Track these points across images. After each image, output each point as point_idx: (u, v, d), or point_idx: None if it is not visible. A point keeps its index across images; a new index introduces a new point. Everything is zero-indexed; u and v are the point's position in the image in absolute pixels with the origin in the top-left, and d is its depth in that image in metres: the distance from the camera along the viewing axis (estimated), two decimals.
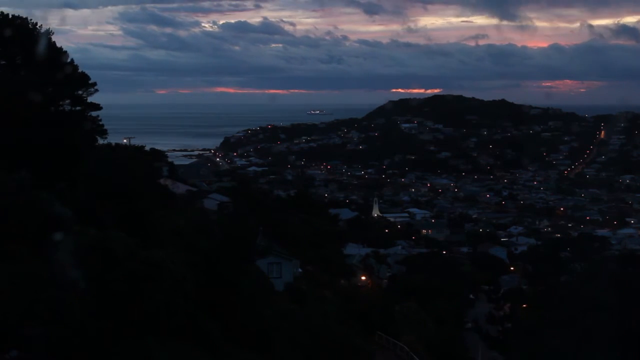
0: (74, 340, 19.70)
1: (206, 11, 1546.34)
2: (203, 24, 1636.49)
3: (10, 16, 41.15)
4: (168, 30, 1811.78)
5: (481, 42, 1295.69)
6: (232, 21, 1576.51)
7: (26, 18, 41.39)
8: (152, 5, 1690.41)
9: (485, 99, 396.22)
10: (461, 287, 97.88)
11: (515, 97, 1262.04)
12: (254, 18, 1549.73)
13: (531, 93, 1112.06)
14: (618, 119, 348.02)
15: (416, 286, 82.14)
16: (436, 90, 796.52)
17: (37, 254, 21.84)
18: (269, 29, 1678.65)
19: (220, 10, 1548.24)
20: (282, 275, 54.12)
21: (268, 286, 44.22)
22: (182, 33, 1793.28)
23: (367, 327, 56.12)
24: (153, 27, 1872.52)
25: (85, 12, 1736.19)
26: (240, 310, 30.56)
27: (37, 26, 40.98)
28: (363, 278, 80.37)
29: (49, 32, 40.70)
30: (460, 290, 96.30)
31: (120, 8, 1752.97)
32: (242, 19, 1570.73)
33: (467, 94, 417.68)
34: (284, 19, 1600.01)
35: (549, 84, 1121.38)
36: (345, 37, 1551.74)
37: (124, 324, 21.94)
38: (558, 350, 50.31)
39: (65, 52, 41.45)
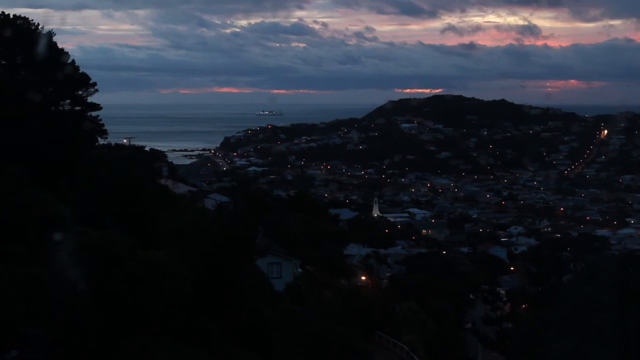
0: (73, 340, 19.71)
1: (244, 11, 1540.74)
2: (236, 24, 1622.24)
3: (11, 16, 41.15)
4: (199, 31, 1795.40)
5: (488, 43, 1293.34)
6: (267, 21, 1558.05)
7: (27, 18, 41.41)
8: (192, 6, 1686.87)
9: (485, 99, 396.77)
10: (461, 287, 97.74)
11: (515, 97, 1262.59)
12: (289, 18, 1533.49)
13: (531, 93, 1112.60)
14: (618, 119, 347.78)
15: (416, 286, 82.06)
16: (437, 90, 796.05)
17: (36, 255, 21.85)
18: (300, 30, 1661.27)
19: (258, 11, 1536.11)
20: (282, 275, 54.09)
21: (268, 286, 44.23)
22: (211, 33, 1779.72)
23: (367, 327, 56.11)
24: (183, 28, 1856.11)
25: (118, 11, 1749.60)
26: (240, 310, 30.56)
27: (38, 26, 41.00)
28: (363, 278, 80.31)
29: (49, 33, 40.71)
30: (460, 290, 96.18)
31: (162, 9, 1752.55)
32: (277, 20, 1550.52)
33: (467, 94, 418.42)
34: (316, 20, 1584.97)
35: (550, 84, 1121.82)
36: (361, 38, 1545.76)
37: (124, 324, 21.94)
38: (558, 351, 50.32)
39: (66, 52, 41.47)
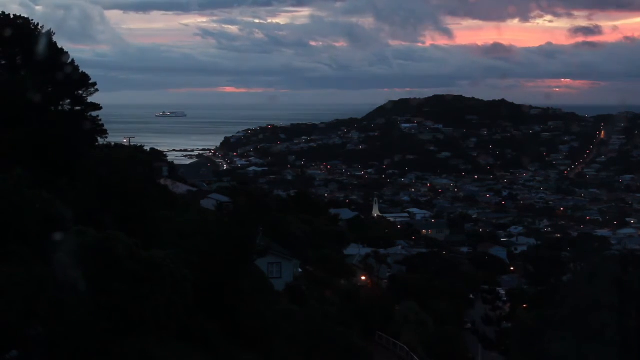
0: (74, 340, 19.71)
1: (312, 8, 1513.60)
2: (289, 25, 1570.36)
3: (11, 16, 41.18)
4: (248, 32, 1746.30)
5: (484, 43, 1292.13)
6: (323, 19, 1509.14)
7: (27, 18, 41.44)
8: (258, 8, 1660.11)
9: (485, 99, 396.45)
10: (461, 287, 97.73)
11: (514, 97, 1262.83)
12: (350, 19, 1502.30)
13: (532, 93, 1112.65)
14: (618, 119, 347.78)
15: (416, 286, 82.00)
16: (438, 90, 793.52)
17: (37, 254, 21.85)
18: (350, 30, 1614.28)
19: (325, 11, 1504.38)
20: (282, 275, 54.11)
21: (268, 286, 44.21)
22: (259, 35, 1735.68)
23: (367, 327, 56.12)
24: (233, 29, 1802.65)
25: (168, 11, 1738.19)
26: (240, 310, 30.57)
27: (38, 26, 41.02)
28: (363, 278, 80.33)
29: (49, 33, 40.73)
30: (460, 290, 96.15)
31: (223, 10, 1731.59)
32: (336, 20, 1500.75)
33: (467, 94, 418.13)
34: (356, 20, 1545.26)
35: (550, 83, 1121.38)
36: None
37: (124, 324, 21.94)
38: (558, 351, 50.28)
39: (66, 52, 41.49)
